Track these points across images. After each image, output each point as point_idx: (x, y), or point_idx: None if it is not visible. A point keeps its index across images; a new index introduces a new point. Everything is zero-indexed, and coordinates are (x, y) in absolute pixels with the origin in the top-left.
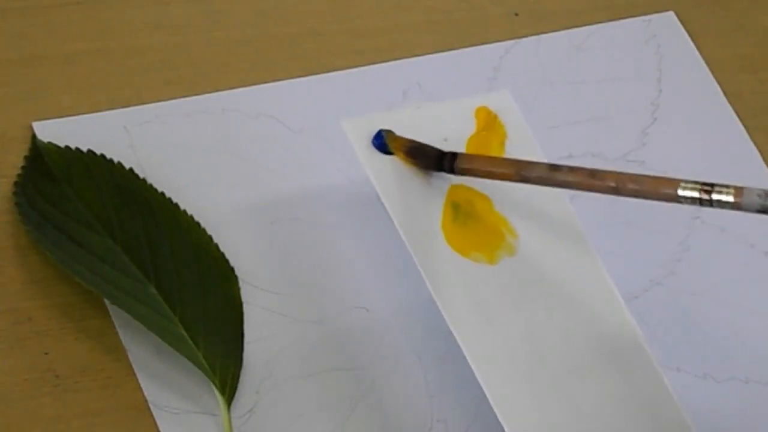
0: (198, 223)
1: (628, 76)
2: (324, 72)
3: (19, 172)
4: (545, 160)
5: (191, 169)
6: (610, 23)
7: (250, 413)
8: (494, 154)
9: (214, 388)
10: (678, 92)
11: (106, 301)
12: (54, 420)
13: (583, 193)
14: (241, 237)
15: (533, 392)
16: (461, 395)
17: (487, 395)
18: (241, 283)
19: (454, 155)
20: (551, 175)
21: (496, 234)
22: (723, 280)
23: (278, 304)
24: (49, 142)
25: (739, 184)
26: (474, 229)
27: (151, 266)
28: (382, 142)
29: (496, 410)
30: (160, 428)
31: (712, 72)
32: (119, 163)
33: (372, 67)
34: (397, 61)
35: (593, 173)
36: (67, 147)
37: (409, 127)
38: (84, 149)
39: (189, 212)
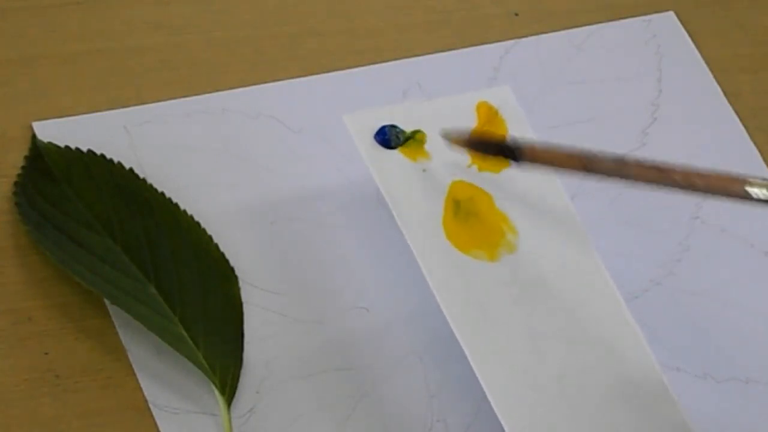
0: (198, 223)
1: (628, 76)
2: (324, 72)
3: (19, 172)
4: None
5: (191, 169)
6: (610, 23)
7: (250, 413)
8: None
9: (214, 388)
10: (678, 92)
11: (106, 301)
12: (54, 420)
13: (584, 192)
14: (241, 237)
15: (533, 391)
16: (461, 395)
17: (487, 393)
18: (241, 283)
19: (517, 146)
20: (618, 168)
21: (496, 231)
22: (723, 280)
23: (278, 304)
24: (49, 142)
25: None
26: (475, 226)
27: (151, 266)
28: (385, 137)
29: (495, 409)
30: (160, 428)
31: (712, 72)
32: (119, 163)
33: (372, 67)
34: (397, 61)
35: (660, 168)
36: (67, 147)
37: (410, 123)
38: (84, 149)
39: (189, 212)
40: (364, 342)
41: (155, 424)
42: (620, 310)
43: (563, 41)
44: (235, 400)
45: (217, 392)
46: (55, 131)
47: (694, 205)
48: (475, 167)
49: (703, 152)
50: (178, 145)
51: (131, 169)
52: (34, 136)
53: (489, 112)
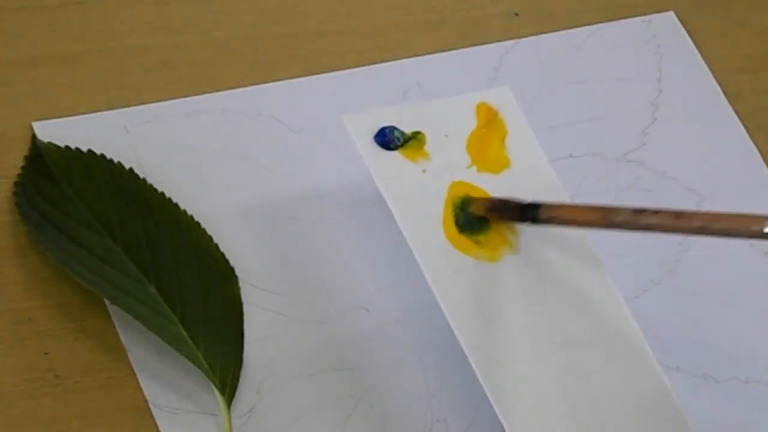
0: (198, 223)
1: (628, 76)
2: (324, 72)
3: (19, 172)
4: (543, 155)
5: (191, 169)
6: (610, 23)
7: (250, 413)
8: (494, 150)
9: (214, 388)
10: (678, 92)
11: (106, 301)
12: (54, 420)
13: (584, 192)
14: (241, 237)
15: (533, 391)
16: (461, 395)
17: (487, 393)
18: (241, 283)
19: (535, 206)
20: (636, 219)
21: (497, 231)
22: (723, 280)
23: (278, 304)
24: (49, 142)
25: None
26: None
27: (151, 266)
28: (385, 138)
29: (496, 409)
30: (160, 428)
31: (712, 72)
32: (119, 163)
33: (372, 67)
34: (397, 61)
35: (678, 215)
36: (67, 147)
37: (410, 123)
38: (84, 149)
39: (189, 212)
40: (364, 342)
41: (155, 424)
42: (620, 310)
43: (563, 41)
44: (235, 400)
45: (217, 392)
46: (55, 131)
47: (694, 205)
48: (474, 168)
49: (702, 152)
50: (178, 145)
51: (131, 169)
52: (34, 136)
53: (489, 113)
